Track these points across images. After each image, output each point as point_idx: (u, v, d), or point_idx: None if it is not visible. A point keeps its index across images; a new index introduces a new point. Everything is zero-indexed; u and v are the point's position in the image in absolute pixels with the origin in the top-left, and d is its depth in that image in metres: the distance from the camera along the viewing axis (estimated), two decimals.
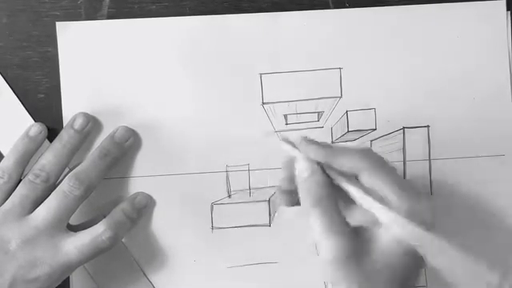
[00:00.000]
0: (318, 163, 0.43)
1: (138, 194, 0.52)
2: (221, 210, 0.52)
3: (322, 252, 0.40)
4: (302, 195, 0.42)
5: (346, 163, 0.42)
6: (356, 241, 0.40)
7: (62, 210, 0.48)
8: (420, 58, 0.52)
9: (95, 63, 0.52)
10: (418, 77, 0.52)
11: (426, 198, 0.42)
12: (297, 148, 0.44)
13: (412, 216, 0.39)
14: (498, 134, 0.53)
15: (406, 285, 0.41)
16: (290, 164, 0.44)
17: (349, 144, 0.53)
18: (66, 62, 0.52)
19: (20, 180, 0.49)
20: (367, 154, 0.42)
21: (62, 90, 0.51)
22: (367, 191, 0.41)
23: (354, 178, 0.42)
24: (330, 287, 0.51)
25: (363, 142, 0.53)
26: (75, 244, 0.47)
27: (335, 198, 0.42)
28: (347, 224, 0.41)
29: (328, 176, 0.42)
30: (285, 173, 0.44)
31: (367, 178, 0.41)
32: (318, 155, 0.43)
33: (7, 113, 0.51)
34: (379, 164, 0.42)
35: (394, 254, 0.40)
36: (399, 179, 0.41)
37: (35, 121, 0.51)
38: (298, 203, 0.43)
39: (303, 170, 0.43)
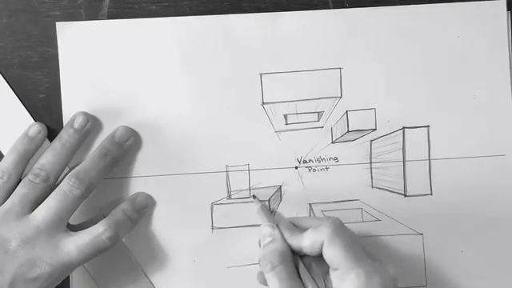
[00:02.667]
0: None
1: (138, 194, 0.52)
2: (221, 210, 0.52)
3: None
4: (261, 261, 0.45)
5: (304, 244, 0.45)
6: None
7: (61, 210, 0.48)
8: (420, 57, 0.52)
9: (95, 63, 0.52)
10: (418, 77, 0.52)
11: (384, 268, 0.44)
12: (267, 215, 0.48)
13: None
14: (498, 133, 0.53)
15: None
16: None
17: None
18: (66, 62, 0.52)
19: (20, 180, 0.49)
20: (325, 228, 0.44)
21: (61, 90, 0.52)
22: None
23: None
24: None
25: (363, 142, 0.53)
26: (75, 243, 0.47)
27: (292, 265, 0.45)
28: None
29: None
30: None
31: (326, 250, 0.44)
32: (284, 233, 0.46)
33: (7, 113, 0.51)
34: (335, 236, 0.44)
35: None
36: (354, 251, 0.43)
37: (35, 121, 0.51)
38: None
39: (265, 236, 0.47)
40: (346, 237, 0.44)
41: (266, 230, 0.47)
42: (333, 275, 0.44)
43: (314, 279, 0.44)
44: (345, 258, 0.43)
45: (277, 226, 0.47)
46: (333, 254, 0.43)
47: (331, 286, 0.43)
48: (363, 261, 0.43)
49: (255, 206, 0.50)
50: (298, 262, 0.45)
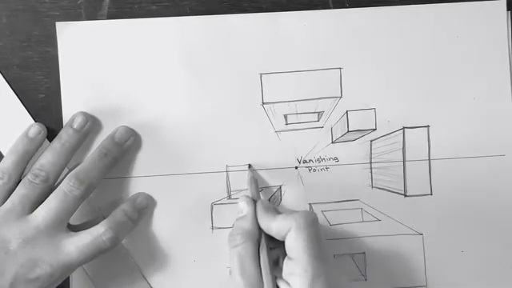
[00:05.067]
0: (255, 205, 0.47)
1: (138, 194, 0.52)
2: (221, 210, 0.52)
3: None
4: (229, 235, 0.46)
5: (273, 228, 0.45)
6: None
7: (62, 210, 0.48)
8: (420, 57, 0.52)
9: (95, 63, 0.52)
10: (418, 77, 0.52)
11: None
12: (253, 189, 0.49)
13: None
14: (498, 133, 0.53)
15: None
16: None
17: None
18: (66, 62, 0.52)
19: (20, 180, 0.49)
20: (295, 218, 0.44)
21: (61, 90, 0.51)
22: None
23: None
24: None
25: (363, 142, 0.53)
26: (76, 244, 0.47)
27: (254, 246, 0.45)
28: (257, 273, 0.43)
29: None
30: None
31: (289, 238, 0.44)
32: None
33: (7, 113, 0.51)
34: (303, 229, 0.43)
35: None
36: (313, 248, 0.43)
37: (35, 121, 0.51)
38: None
39: (240, 210, 0.47)
40: (313, 233, 0.43)
41: (241, 205, 0.47)
42: (286, 263, 0.44)
43: (270, 265, 0.44)
44: (303, 251, 0.43)
45: (254, 201, 0.47)
46: (293, 244, 0.43)
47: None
48: (317, 261, 0.43)
49: (247, 176, 0.50)
50: (263, 244, 0.45)
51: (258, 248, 0.45)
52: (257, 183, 0.49)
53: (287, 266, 0.43)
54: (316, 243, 0.43)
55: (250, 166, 0.52)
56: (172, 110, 0.52)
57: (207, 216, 0.52)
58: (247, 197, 0.48)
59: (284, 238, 0.44)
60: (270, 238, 0.45)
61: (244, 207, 0.47)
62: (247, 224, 0.46)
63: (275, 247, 0.46)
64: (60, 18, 0.52)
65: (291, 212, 0.45)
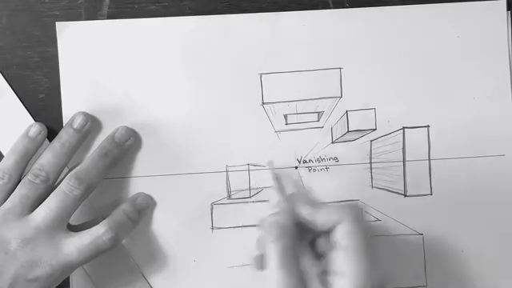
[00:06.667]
0: (291, 200, 0.46)
1: (139, 194, 0.52)
2: (221, 210, 0.52)
3: (273, 282, 0.42)
4: (265, 229, 0.44)
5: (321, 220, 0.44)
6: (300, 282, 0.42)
7: (62, 210, 0.48)
8: (420, 58, 0.52)
9: (95, 63, 0.52)
10: (418, 77, 0.52)
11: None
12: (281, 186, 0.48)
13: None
14: (498, 133, 0.53)
15: None
16: None
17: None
18: (65, 62, 0.52)
19: (20, 180, 0.49)
20: (343, 211, 0.43)
21: (61, 90, 0.52)
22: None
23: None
24: None
25: (363, 142, 0.53)
26: (76, 244, 0.47)
27: (290, 241, 0.43)
28: (297, 266, 0.43)
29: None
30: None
31: (342, 229, 0.43)
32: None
33: (7, 113, 0.51)
34: (357, 221, 0.43)
35: None
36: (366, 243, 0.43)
37: (35, 121, 0.51)
38: None
39: (275, 205, 0.47)
40: (365, 226, 0.43)
41: (274, 200, 0.47)
42: (332, 254, 0.43)
43: (309, 259, 0.44)
44: (355, 242, 0.42)
45: (290, 195, 0.46)
46: (345, 234, 0.42)
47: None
48: (367, 252, 0.42)
49: (270, 173, 0.49)
50: (301, 237, 0.44)
51: (295, 242, 0.44)
52: (281, 178, 0.49)
53: (334, 258, 0.43)
54: (367, 239, 0.43)
55: (270, 163, 0.52)
56: (172, 110, 0.52)
57: (207, 216, 0.52)
58: (281, 192, 0.47)
59: (329, 228, 0.43)
60: (305, 232, 0.45)
61: (279, 202, 0.46)
62: (282, 219, 0.44)
63: (313, 241, 0.45)
64: (60, 18, 0.52)
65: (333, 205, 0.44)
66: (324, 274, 0.43)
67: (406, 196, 0.53)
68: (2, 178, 0.49)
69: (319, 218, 0.44)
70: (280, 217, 0.44)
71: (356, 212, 0.43)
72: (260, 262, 0.45)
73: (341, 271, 0.42)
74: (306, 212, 0.44)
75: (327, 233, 0.43)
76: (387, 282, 0.43)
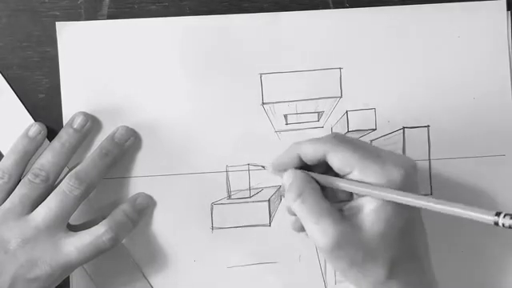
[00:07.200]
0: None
1: (139, 194, 0.52)
2: (221, 210, 0.52)
3: (317, 238, 0.41)
4: (287, 191, 0.43)
5: (309, 150, 0.43)
6: (344, 218, 0.42)
7: (62, 210, 0.48)
8: (420, 58, 0.52)
9: (95, 63, 0.52)
10: (418, 77, 0.52)
11: (403, 162, 0.42)
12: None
13: (392, 184, 0.41)
14: (498, 133, 0.53)
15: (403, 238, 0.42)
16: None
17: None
18: (65, 62, 0.52)
19: (20, 180, 0.49)
20: (328, 137, 0.43)
21: (61, 90, 0.51)
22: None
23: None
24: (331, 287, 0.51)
25: None
26: (75, 244, 0.47)
27: (318, 189, 0.43)
28: (332, 206, 0.42)
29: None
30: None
31: (336, 161, 0.42)
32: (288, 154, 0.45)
33: (7, 113, 0.51)
34: (343, 143, 0.43)
35: (382, 219, 0.41)
36: (368, 151, 0.42)
37: (35, 121, 0.51)
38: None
39: (287, 178, 0.44)
40: (350, 140, 0.43)
41: (288, 173, 0.45)
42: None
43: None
44: (356, 156, 0.41)
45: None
46: (341, 157, 0.42)
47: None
48: (376, 152, 0.42)
49: (267, 170, 0.48)
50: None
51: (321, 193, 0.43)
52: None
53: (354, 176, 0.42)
54: (362, 145, 0.43)
55: (263, 167, 0.52)
56: (172, 110, 0.52)
57: (207, 216, 0.52)
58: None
59: (318, 160, 0.43)
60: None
61: (290, 174, 0.44)
62: (299, 173, 0.44)
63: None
64: (60, 18, 0.52)
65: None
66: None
67: None
68: (2, 178, 0.49)
69: (307, 152, 0.44)
70: (296, 174, 0.44)
71: (334, 137, 0.43)
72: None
73: None
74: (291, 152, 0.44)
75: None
76: None
